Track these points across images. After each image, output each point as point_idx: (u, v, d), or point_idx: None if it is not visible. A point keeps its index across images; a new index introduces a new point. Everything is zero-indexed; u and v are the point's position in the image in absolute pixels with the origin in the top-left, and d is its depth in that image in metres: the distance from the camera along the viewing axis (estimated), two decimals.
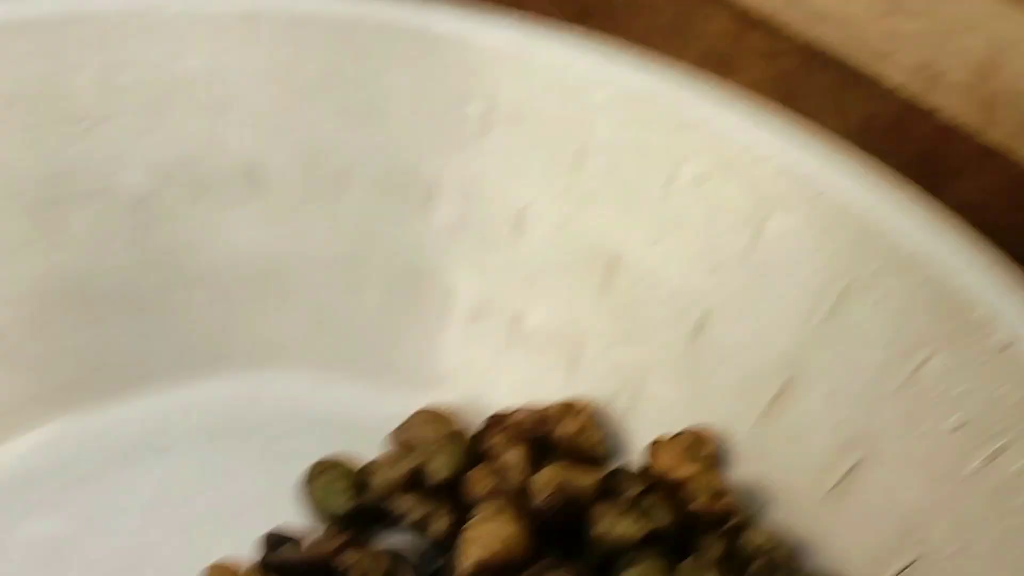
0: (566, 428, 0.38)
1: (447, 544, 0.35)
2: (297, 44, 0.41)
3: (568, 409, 0.39)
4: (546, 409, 0.39)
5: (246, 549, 0.36)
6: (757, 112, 0.38)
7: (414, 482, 0.38)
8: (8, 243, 0.39)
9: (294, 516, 0.37)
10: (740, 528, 0.34)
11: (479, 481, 0.37)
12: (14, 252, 0.39)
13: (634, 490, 0.36)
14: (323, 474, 0.39)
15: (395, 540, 0.37)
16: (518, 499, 0.36)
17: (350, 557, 0.35)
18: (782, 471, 0.35)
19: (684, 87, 0.39)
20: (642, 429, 0.38)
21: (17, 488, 0.38)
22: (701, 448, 0.36)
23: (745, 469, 0.36)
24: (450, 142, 0.41)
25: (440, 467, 0.38)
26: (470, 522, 0.35)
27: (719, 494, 0.34)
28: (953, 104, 0.47)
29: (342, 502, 0.38)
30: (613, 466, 0.38)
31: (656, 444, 0.36)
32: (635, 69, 0.40)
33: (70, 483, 0.38)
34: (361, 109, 0.41)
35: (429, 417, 0.40)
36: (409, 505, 0.38)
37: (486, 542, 0.34)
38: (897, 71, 0.48)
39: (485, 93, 0.41)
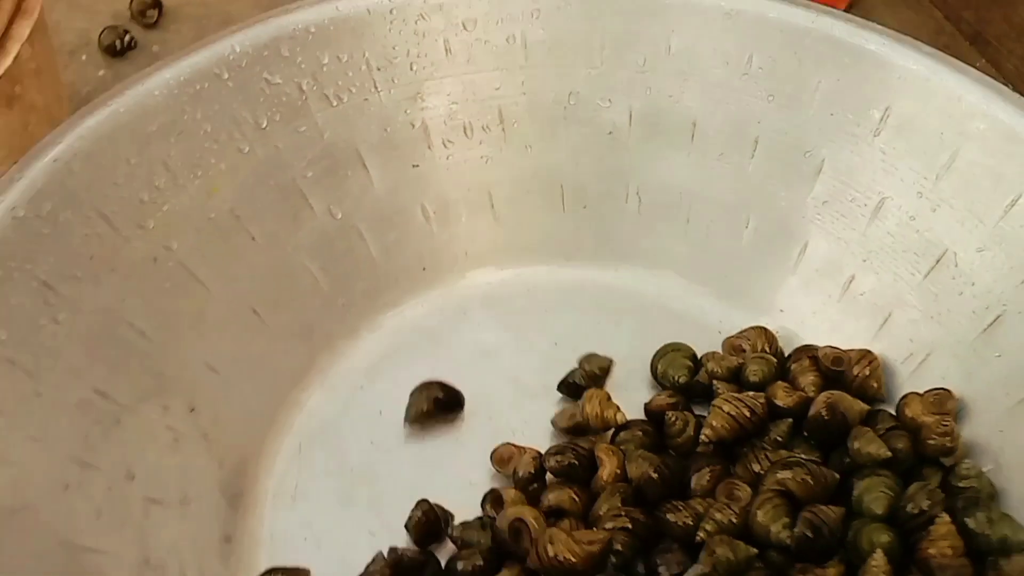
0: (859, 370, 0.48)
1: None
2: (757, 38, 0.54)
3: (864, 355, 0.49)
4: (848, 352, 0.49)
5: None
6: None
7: (733, 377, 0.51)
8: (526, 142, 0.57)
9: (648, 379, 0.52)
10: (956, 466, 0.42)
11: (779, 391, 0.49)
12: (528, 150, 0.57)
13: (886, 424, 0.45)
14: (670, 352, 0.52)
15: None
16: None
17: (677, 414, 0.49)
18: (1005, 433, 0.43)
19: None
20: (914, 389, 0.47)
21: (486, 304, 0.56)
22: (945, 404, 0.44)
23: (978, 431, 0.44)
24: (847, 136, 0.52)
25: (754, 372, 0.50)
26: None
27: (948, 435, 0.43)
28: None
29: (681, 374, 0.52)
30: (880, 407, 0.47)
31: (910, 395, 0.45)
32: (1010, 110, 0.47)
33: (514, 311, 0.55)
34: (787, 95, 0.53)
35: (759, 334, 0.52)
36: (724, 391, 0.50)
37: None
38: None
39: (886, 103, 0.51)
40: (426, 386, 0.51)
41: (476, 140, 0.56)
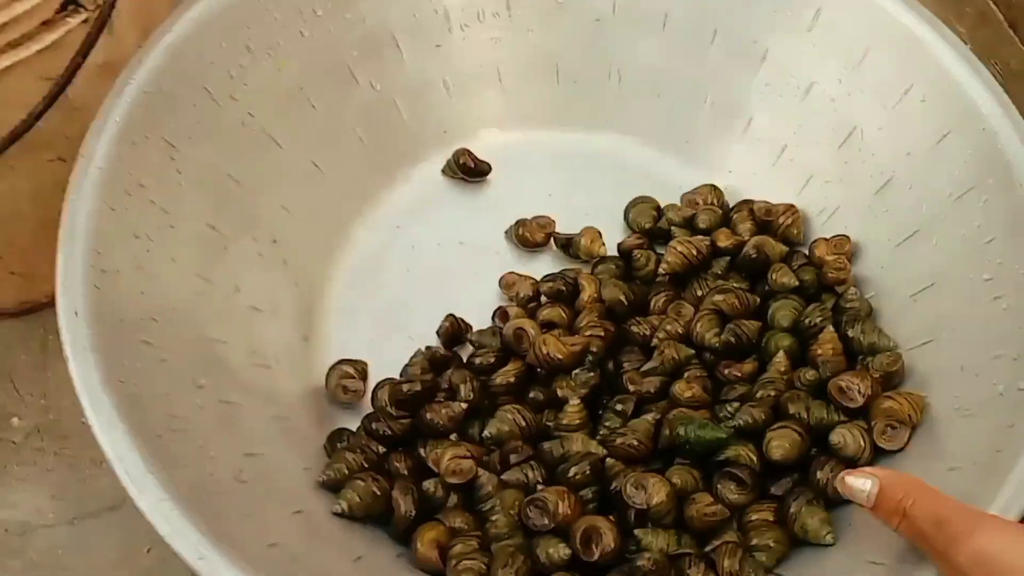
0: (784, 220, 0.62)
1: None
2: None
3: (789, 208, 0.63)
4: (777, 206, 0.63)
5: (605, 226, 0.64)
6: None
7: (687, 224, 0.64)
8: (528, 26, 0.67)
9: (621, 224, 0.65)
10: (845, 292, 0.58)
11: (721, 235, 0.62)
12: (530, 33, 0.68)
13: (799, 262, 0.60)
14: (639, 204, 0.66)
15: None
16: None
17: (643, 252, 0.62)
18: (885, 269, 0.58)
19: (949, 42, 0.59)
20: (823, 235, 0.61)
21: (494, 161, 0.67)
22: (844, 247, 0.59)
23: (867, 268, 0.59)
24: (787, 29, 0.64)
25: (703, 220, 0.64)
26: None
27: (842, 270, 0.58)
28: None
29: (647, 221, 0.65)
30: (797, 249, 0.62)
31: (818, 240, 0.60)
32: (913, 18, 0.60)
33: (517, 167, 0.67)
34: None
35: (710, 190, 0.66)
36: (679, 235, 0.63)
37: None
38: None
39: (818, 4, 0.63)
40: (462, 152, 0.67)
41: (487, 24, 0.67)
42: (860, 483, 0.43)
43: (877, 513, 0.43)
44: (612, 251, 0.64)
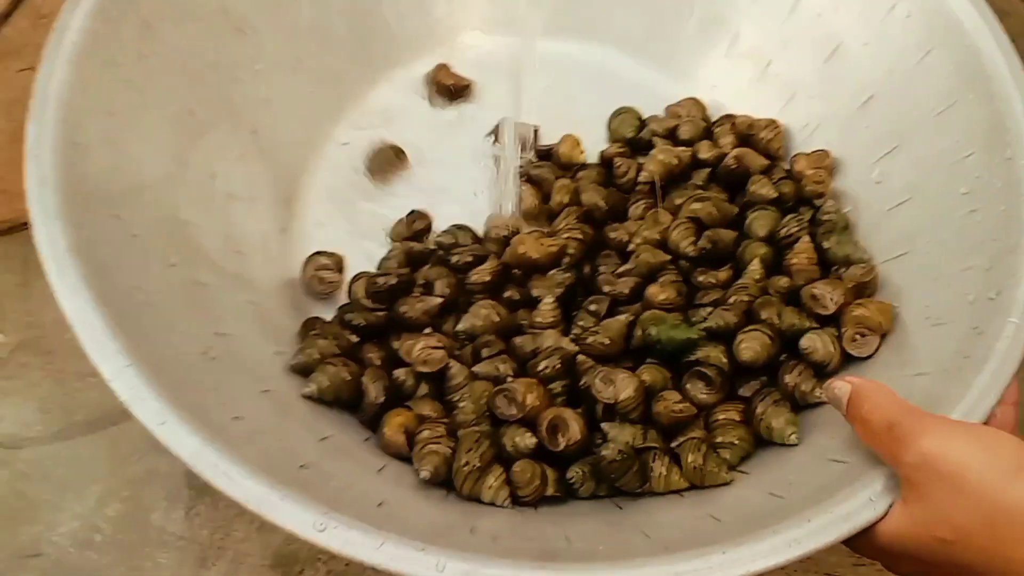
0: (766, 134, 0.61)
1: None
2: None
3: (771, 123, 0.61)
4: (759, 120, 0.61)
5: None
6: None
7: (669, 135, 0.63)
8: None
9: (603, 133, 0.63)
10: (822, 205, 0.56)
11: (703, 147, 0.61)
12: None
13: (779, 175, 0.58)
14: (622, 114, 0.64)
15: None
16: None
17: (624, 161, 0.60)
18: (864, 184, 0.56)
19: None
20: (806, 151, 0.60)
21: (475, 66, 0.65)
22: (823, 161, 0.58)
23: (846, 182, 0.58)
24: None
25: (686, 131, 0.62)
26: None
27: (821, 183, 0.56)
28: None
29: (629, 132, 0.63)
30: (778, 163, 0.60)
31: (799, 154, 0.59)
32: None
33: (500, 74, 0.66)
34: None
35: (694, 103, 0.64)
36: (660, 145, 0.62)
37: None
38: None
39: None
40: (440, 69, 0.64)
41: None
42: (838, 390, 0.42)
43: (848, 419, 0.42)
44: (594, 160, 0.62)
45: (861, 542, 0.40)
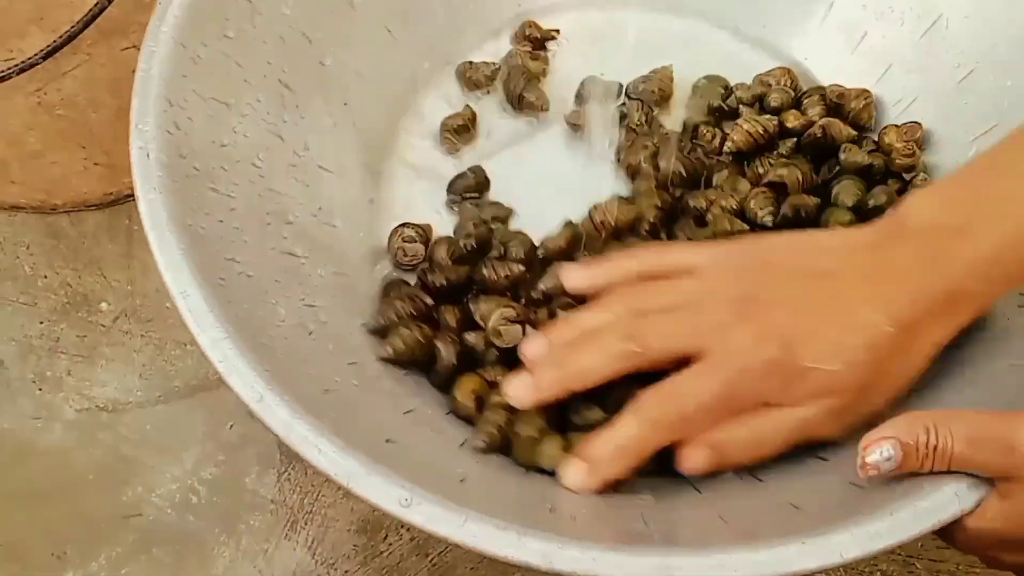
0: (856, 104, 0.57)
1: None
2: None
3: (862, 93, 0.58)
4: (851, 90, 0.58)
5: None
6: None
7: (756, 103, 0.60)
8: None
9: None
10: (914, 178, 0.53)
11: (790, 116, 0.58)
12: None
13: (868, 148, 0.55)
14: (710, 82, 0.61)
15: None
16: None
17: (709, 128, 0.58)
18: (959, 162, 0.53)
19: None
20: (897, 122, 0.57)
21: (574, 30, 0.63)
22: (915, 134, 0.54)
23: (940, 158, 0.55)
24: None
25: (774, 99, 0.59)
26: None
27: (911, 156, 0.53)
28: None
29: (716, 99, 0.61)
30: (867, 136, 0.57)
31: (889, 126, 0.55)
32: None
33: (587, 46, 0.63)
34: None
35: (784, 72, 0.61)
36: (747, 114, 0.59)
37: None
38: None
39: None
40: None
41: None
42: (879, 453, 0.37)
43: (905, 469, 0.38)
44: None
45: (959, 536, 0.38)
